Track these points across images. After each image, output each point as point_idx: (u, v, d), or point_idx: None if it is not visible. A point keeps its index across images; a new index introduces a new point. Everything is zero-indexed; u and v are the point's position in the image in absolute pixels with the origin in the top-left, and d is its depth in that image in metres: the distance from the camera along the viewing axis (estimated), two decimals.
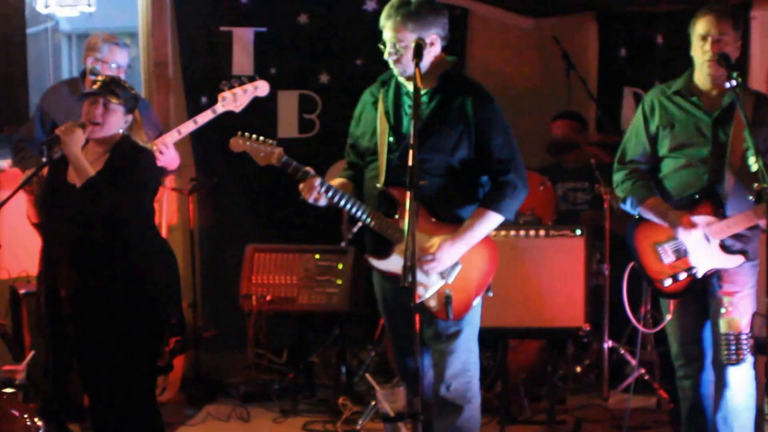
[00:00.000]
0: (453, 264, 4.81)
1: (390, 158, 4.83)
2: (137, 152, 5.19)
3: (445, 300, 4.77)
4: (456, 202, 4.85)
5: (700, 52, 5.24)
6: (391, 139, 4.84)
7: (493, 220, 4.82)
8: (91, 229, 5.09)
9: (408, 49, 4.72)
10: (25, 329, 6.74)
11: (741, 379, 5.24)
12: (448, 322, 4.86)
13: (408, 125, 4.79)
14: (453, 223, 4.82)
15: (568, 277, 6.37)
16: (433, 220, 4.81)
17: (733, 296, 5.18)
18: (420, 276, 4.69)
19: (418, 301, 4.54)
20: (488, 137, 4.79)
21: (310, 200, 4.83)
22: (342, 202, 4.83)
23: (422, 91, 4.80)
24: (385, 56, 4.81)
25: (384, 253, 4.86)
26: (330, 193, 4.82)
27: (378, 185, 4.85)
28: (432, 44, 4.78)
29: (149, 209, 5.30)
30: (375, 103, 4.97)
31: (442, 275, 4.81)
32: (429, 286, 4.78)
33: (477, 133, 4.78)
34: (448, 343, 4.89)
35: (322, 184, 4.80)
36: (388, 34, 4.77)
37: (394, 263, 4.78)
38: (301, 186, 4.85)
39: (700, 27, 5.23)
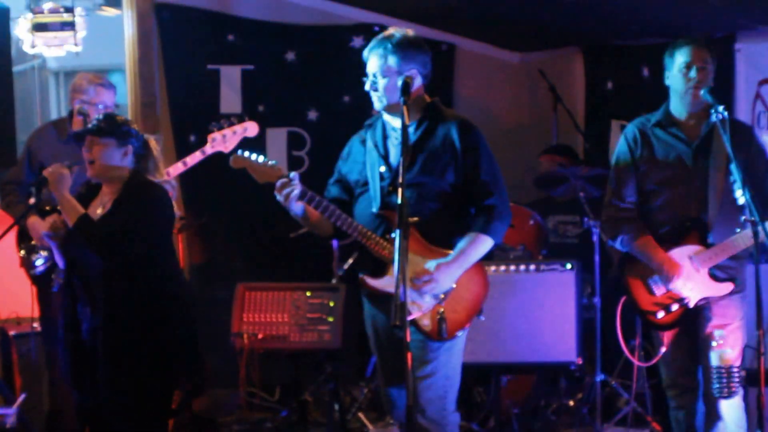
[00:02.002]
0: (447, 287, 4.87)
1: (383, 186, 4.93)
2: (144, 188, 5.15)
3: (439, 319, 4.81)
4: (449, 227, 4.92)
5: (683, 80, 5.31)
6: (383, 168, 4.95)
7: (484, 244, 4.89)
8: (102, 269, 5.04)
9: (389, 80, 4.86)
10: (16, 371, 6.71)
11: (733, 411, 5.23)
12: (425, 348, 4.86)
13: (397, 155, 4.91)
14: (445, 247, 4.89)
15: (560, 311, 6.38)
16: (427, 243, 4.87)
17: (724, 329, 5.19)
18: (414, 296, 4.79)
19: (410, 318, 4.60)
20: (474, 162, 4.90)
21: (281, 196, 4.82)
22: (334, 218, 4.87)
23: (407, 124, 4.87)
24: (366, 87, 4.95)
25: (379, 273, 4.91)
26: (321, 209, 4.85)
27: (373, 210, 4.92)
28: (412, 78, 4.87)
29: (162, 245, 5.22)
30: (362, 142, 5.08)
31: (436, 296, 4.86)
32: (422, 306, 4.83)
33: (463, 159, 4.89)
34: (424, 368, 4.88)
35: (318, 203, 4.85)
36: (370, 66, 4.93)
37: (389, 282, 4.79)
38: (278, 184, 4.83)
39: (683, 56, 5.30)
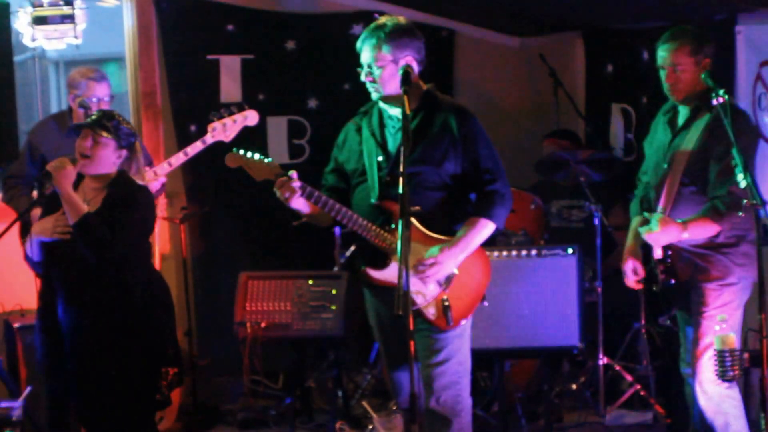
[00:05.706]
0: (450, 271, 4.89)
1: (380, 175, 4.93)
2: (134, 190, 5.16)
3: (444, 307, 4.84)
4: (449, 216, 4.95)
5: (663, 81, 5.34)
6: (381, 158, 4.95)
7: (486, 228, 4.92)
8: (88, 265, 5.06)
9: (384, 70, 4.86)
10: (21, 364, 6.73)
11: (727, 397, 5.23)
12: (435, 336, 4.90)
13: (394, 144, 4.93)
14: (446, 235, 4.91)
15: (562, 295, 6.39)
16: (427, 232, 4.89)
17: (701, 314, 5.20)
18: (418, 284, 4.82)
19: (415, 308, 4.68)
20: (474, 149, 4.92)
21: (286, 195, 4.87)
22: (334, 213, 4.89)
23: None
24: (362, 78, 4.95)
25: (381, 264, 4.92)
26: (320, 203, 4.88)
27: (372, 200, 4.92)
28: (411, 67, 4.88)
29: (145, 246, 5.31)
30: (358, 130, 5.07)
31: (440, 283, 4.87)
32: (426, 294, 4.86)
33: (463, 147, 4.91)
34: (436, 356, 4.93)
35: (317, 198, 4.88)
36: (364, 56, 4.93)
37: (392, 273, 4.78)
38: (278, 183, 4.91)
39: (658, 58, 5.33)
